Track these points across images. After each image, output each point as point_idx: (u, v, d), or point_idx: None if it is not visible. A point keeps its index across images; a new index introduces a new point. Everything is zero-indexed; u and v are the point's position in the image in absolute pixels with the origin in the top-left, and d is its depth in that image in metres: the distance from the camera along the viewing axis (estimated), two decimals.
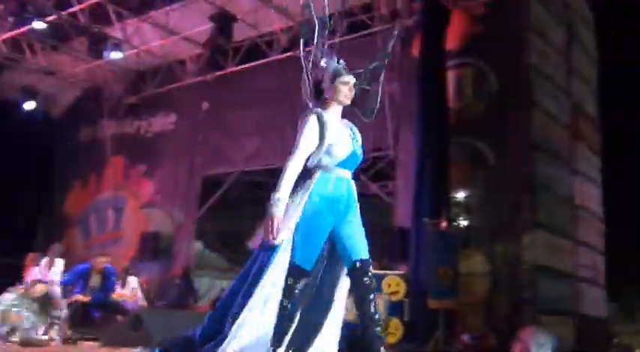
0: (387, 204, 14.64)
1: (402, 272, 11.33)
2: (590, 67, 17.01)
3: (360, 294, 3.91)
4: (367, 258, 3.96)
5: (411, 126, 13.38)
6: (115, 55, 15.78)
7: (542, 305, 12.82)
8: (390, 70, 14.47)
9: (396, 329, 10.52)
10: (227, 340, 3.63)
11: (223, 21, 14.33)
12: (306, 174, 3.95)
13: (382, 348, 3.89)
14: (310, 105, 4.23)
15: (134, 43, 16.30)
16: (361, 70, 4.40)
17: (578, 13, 16.74)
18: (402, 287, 10.82)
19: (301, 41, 4.56)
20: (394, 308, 10.64)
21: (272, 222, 3.74)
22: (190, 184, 17.03)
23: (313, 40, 4.45)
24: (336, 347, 4.03)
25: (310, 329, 3.97)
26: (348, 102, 4.18)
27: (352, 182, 4.14)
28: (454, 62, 13.51)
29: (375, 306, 3.87)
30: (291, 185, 3.85)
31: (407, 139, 13.75)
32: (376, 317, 3.86)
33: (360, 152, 4.20)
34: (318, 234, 3.91)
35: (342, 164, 4.03)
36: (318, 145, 3.94)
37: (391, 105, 14.24)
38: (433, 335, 10.69)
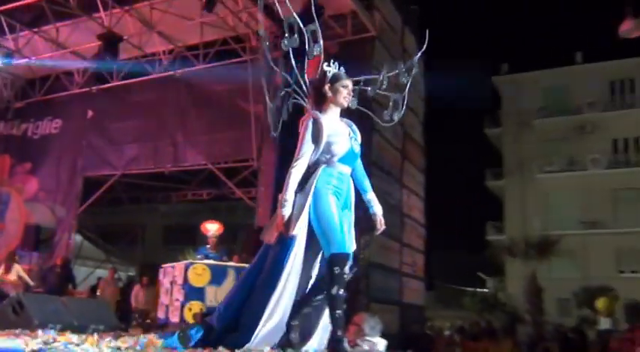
0: (250, 207, 14.66)
1: None
2: (419, 103, 17.82)
3: (327, 283, 3.63)
4: (341, 251, 3.60)
5: (272, 143, 13.48)
6: (4, 63, 15.02)
7: (374, 294, 13.27)
8: (257, 94, 14.58)
9: None
10: (257, 329, 3.42)
11: (110, 40, 13.91)
12: (308, 171, 3.71)
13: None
14: (309, 108, 3.99)
15: (25, 53, 15.44)
16: (377, 75, 4.27)
17: (412, 58, 17.49)
18: None
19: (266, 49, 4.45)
20: None
21: (282, 220, 3.56)
22: (73, 183, 16.29)
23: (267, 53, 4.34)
24: None
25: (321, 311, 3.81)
26: (347, 104, 3.96)
27: (351, 178, 3.90)
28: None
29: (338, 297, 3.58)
30: (295, 185, 3.64)
31: (268, 153, 13.86)
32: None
33: (357, 149, 3.92)
34: (334, 217, 3.61)
35: (342, 160, 3.78)
36: (317, 145, 3.70)
37: (257, 123, 14.41)
38: None
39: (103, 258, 19.31)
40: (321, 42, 4.02)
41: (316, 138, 3.69)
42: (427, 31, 4.05)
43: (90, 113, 16.53)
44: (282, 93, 4.24)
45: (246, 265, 10.86)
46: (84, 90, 16.42)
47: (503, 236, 26.82)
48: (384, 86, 4.20)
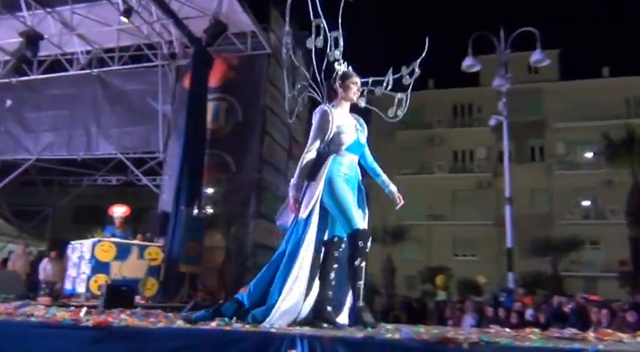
0: (154, 193, 14.21)
1: (160, 244, 10.98)
2: (303, 111, 18.00)
3: (350, 256, 3.38)
4: (363, 227, 3.41)
5: (178, 137, 13.17)
6: None
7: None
8: (164, 94, 14.16)
9: (152, 286, 10.13)
10: (276, 306, 3.22)
11: (31, 38, 12.97)
12: (320, 158, 3.50)
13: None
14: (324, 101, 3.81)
15: None
16: (383, 78, 4.06)
17: (301, 73, 17.73)
18: (160, 256, 10.47)
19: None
20: (153, 271, 10.24)
21: (293, 203, 3.41)
22: None
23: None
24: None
25: (344, 287, 3.49)
26: (356, 99, 3.75)
27: (357, 165, 3.71)
28: (213, 96, 13.62)
29: (359, 268, 3.36)
30: (307, 171, 3.45)
31: (174, 146, 13.54)
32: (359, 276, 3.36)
33: (363, 140, 3.71)
34: (349, 200, 3.44)
35: (349, 149, 3.59)
36: (326, 134, 3.52)
37: (164, 120, 14.09)
38: (179, 291, 10.51)
39: (15, 233, 17.89)
40: (341, 47, 3.84)
41: (326, 128, 3.53)
42: (427, 39, 3.96)
43: (8, 102, 15.35)
44: (300, 86, 4.13)
45: (150, 244, 10.65)
46: (4, 81, 15.19)
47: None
48: (390, 87, 4.06)
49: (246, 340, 2.55)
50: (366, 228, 3.44)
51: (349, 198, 3.47)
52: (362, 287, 3.36)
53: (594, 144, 22.68)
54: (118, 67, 14.34)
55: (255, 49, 13.91)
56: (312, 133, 3.58)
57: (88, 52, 14.69)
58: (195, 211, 11.52)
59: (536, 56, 12.15)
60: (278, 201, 14.98)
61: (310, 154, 3.50)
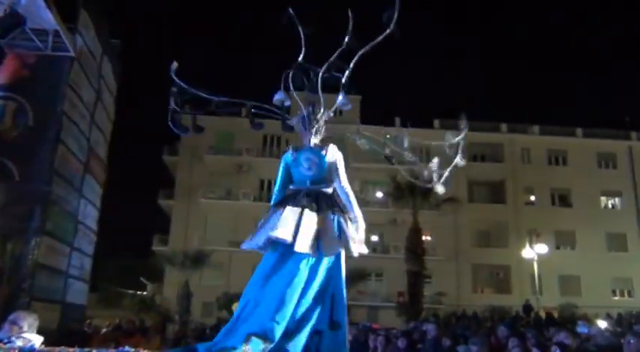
0: None
1: None
2: (107, 123, 16.98)
3: None
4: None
5: None
6: None
7: (37, 294, 11.93)
8: None
9: None
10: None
11: None
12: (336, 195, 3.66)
13: None
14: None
15: None
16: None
17: (108, 84, 16.74)
18: None
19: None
20: None
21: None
22: None
23: None
24: None
25: None
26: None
27: None
28: (1, 94, 12.07)
29: None
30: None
31: None
32: None
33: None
34: None
35: None
36: None
37: None
38: None
39: None
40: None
41: None
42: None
43: None
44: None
45: None
46: None
47: (167, 247, 26.73)
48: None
49: None
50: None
51: None
52: None
53: (384, 185, 25.07)
54: None
55: (56, 49, 12.74)
56: (343, 169, 3.76)
57: None
58: None
59: (340, 100, 13.18)
60: (67, 217, 13.67)
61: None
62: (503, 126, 31.47)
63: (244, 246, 3.60)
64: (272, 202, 3.74)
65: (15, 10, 11.38)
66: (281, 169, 3.81)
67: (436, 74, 59.24)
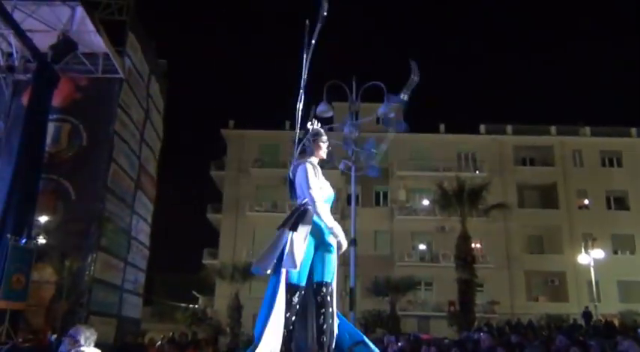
0: None
1: None
2: (156, 141, 17.44)
3: (315, 308, 3.49)
4: (321, 280, 3.52)
5: (9, 158, 11.85)
6: None
7: (94, 308, 12.32)
8: None
9: None
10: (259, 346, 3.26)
11: None
12: (303, 211, 3.51)
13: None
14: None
15: None
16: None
17: (156, 103, 17.23)
18: None
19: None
20: None
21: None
22: None
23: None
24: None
25: (303, 331, 3.53)
26: (325, 156, 3.84)
27: None
28: (56, 116, 12.65)
29: (324, 319, 3.43)
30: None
31: (3, 168, 12.12)
32: (324, 327, 3.41)
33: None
34: (307, 258, 3.48)
35: (328, 201, 3.63)
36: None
37: None
38: None
39: None
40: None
41: (318, 179, 3.66)
42: (413, 63, 3.97)
43: None
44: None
45: None
46: None
47: (217, 260, 27.12)
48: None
49: None
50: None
51: (307, 258, 3.55)
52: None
53: (430, 192, 24.72)
54: None
55: (106, 72, 13.23)
56: (310, 184, 3.59)
57: None
58: (24, 240, 10.37)
59: (382, 108, 13.09)
60: (121, 234, 14.09)
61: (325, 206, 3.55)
62: (552, 129, 30.54)
63: None
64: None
65: (67, 36, 11.92)
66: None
67: (481, 79, 58.32)
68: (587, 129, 30.30)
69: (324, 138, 3.88)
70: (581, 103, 52.66)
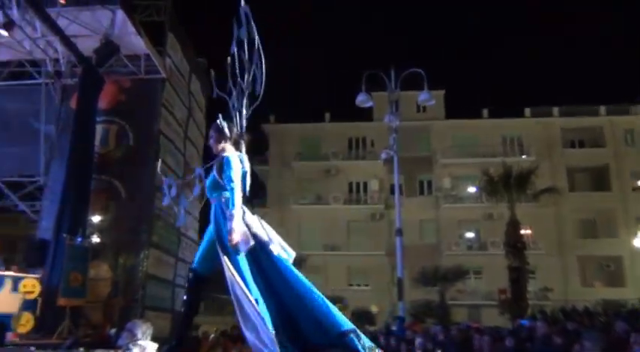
0: (32, 220, 13.10)
1: (37, 276, 10.11)
2: (200, 138, 17.70)
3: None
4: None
5: (62, 160, 12.32)
6: None
7: (148, 303, 12.67)
8: (48, 114, 13.28)
9: (27, 322, 9.26)
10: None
11: None
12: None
13: None
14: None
15: None
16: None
17: (198, 101, 17.54)
18: (37, 288, 9.63)
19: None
20: (28, 305, 9.39)
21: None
22: None
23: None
24: None
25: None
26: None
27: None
28: (103, 118, 12.99)
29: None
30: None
31: (57, 170, 12.63)
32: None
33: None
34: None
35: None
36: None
37: (46, 141, 13.15)
38: (58, 326, 9.67)
39: None
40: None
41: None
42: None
43: None
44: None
45: (25, 275, 9.77)
46: None
47: None
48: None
49: None
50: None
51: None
52: None
53: (476, 179, 24.26)
54: None
55: (148, 72, 13.50)
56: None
57: None
58: (79, 239, 10.75)
59: (423, 96, 12.88)
60: (170, 230, 14.41)
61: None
62: (602, 109, 29.43)
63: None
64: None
65: (109, 40, 12.22)
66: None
67: (523, 62, 56.73)
68: (639, 108, 29.07)
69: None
70: (631, 81, 50.51)
